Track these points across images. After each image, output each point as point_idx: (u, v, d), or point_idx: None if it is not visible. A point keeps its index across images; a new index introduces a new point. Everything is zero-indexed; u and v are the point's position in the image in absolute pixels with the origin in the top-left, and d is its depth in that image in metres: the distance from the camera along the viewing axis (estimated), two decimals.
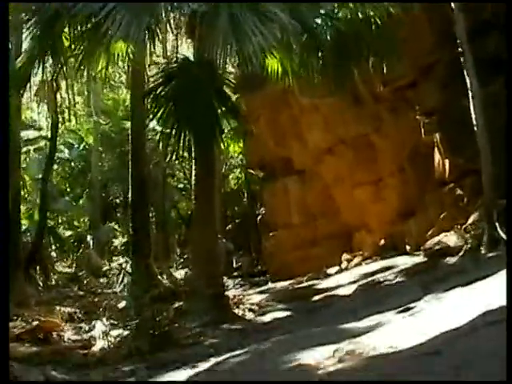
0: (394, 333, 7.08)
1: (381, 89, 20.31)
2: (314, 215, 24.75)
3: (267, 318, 14.82)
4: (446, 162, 17.96)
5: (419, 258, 16.83)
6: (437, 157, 18.56)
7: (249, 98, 25.20)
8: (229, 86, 16.74)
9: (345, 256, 21.67)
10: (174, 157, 27.02)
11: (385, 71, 19.17)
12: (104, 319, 13.85)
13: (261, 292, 20.51)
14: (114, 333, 13.03)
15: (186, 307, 14.13)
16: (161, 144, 26.61)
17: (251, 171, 30.58)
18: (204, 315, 13.22)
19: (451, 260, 15.06)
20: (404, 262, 17.18)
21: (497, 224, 14.29)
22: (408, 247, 19.18)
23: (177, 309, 14.15)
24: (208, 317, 13.20)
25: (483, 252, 14.24)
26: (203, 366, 8.82)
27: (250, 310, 15.97)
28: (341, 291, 16.52)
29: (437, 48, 18.05)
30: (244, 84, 24.79)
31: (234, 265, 30.70)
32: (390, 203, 21.48)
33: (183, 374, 8.56)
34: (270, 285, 23.09)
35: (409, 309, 9.04)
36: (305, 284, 19.70)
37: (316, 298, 16.64)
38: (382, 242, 20.78)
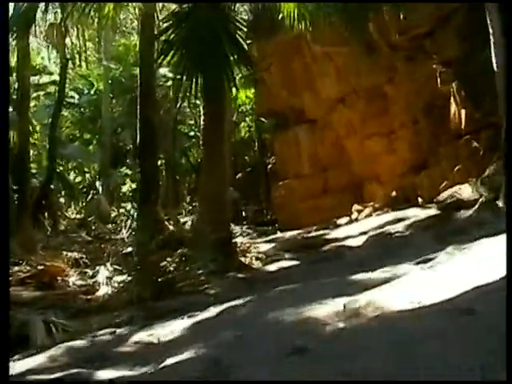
0: (415, 286, 6.32)
1: (396, 37, 19.39)
2: (324, 165, 24.10)
3: (274, 267, 14.22)
4: (463, 113, 17.13)
5: (432, 211, 16.14)
6: (453, 108, 17.74)
7: (261, 44, 24.33)
8: (241, 30, 15.90)
9: (355, 207, 20.97)
10: (184, 103, 27.03)
11: (401, 19, 18.49)
12: (108, 265, 13.31)
13: (269, 241, 19.86)
14: (118, 279, 12.51)
15: (192, 254, 13.48)
16: (171, 90, 26.52)
17: (262, 119, 29.85)
18: (210, 263, 12.59)
19: (466, 213, 14.31)
20: (415, 214, 16.51)
21: None
22: (420, 200, 18.49)
23: (182, 256, 13.50)
24: (214, 264, 12.57)
25: (500, 205, 13.51)
26: (202, 315, 8.19)
27: (257, 258, 15.35)
28: (351, 242, 15.89)
29: None
30: (256, 29, 24.00)
31: (243, 214, 30.07)
32: (402, 155, 20.79)
33: (180, 324, 7.94)
34: (279, 234, 22.50)
35: (428, 260, 8.29)
36: (314, 234, 19.06)
37: (326, 248, 16.03)
38: (394, 193, 20.08)
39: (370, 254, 13.18)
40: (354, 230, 17.30)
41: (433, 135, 18.90)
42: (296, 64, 23.84)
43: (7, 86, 12.11)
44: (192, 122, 34.09)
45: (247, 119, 32.51)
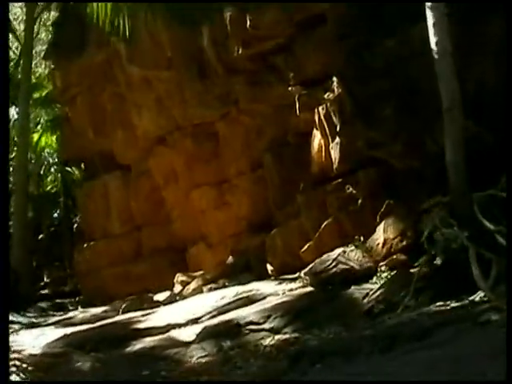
0: None
1: (238, 53, 12.76)
2: (138, 223, 16.77)
3: None
4: (334, 147, 10.66)
5: (297, 285, 9.45)
6: (317, 143, 11.26)
7: (63, 70, 16.99)
8: None
9: (179, 277, 13.78)
10: None
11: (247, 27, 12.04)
12: None
13: (56, 324, 12.31)
14: None
15: None
16: None
17: (68, 169, 22.17)
18: None
19: (362, 289, 7.85)
20: (271, 290, 9.69)
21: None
22: (270, 268, 11.70)
23: None
24: None
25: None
26: None
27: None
28: (176, 334, 8.84)
29: None
30: (58, 49, 16.76)
31: (43, 282, 21.94)
32: (238, 210, 14.13)
33: None
34: (76, 312, 14.83)
35: None
36: (122, 317, 11.53)
37: (137, 345, 8.84)
38: (230, 259, 13.17)
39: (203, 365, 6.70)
40: (180, 313, 10.09)
41: (284, 182, 12.32)
42: (107, 95, 16.63)
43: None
44: None
45: (52, 169, 24.72)
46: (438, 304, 6.52)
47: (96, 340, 9.62)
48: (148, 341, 8.84)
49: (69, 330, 10.99)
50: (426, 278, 7.04)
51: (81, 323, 12.05)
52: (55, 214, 24.34)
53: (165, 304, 11.70)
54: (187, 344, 8.19)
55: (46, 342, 9.92)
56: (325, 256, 9.03)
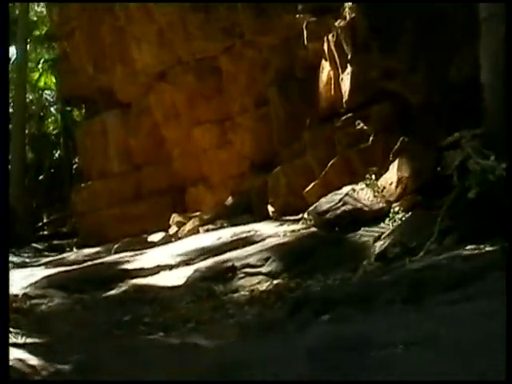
0: None
1: None
2: (138, 162, 15.62)
3: None
4: (345, 79, 9.44)
5: (300, 227, 8.36)
6: (325, 74, 10.03)
7: (62, 3, 15.67)
8: None
9: (175, 217, 12.71)
10: None
11: None
12: None
13: (46, 265, 11.36)
14: None
15: None
16: None
17: (68, 109, 20.98)
18: None
19: (372, 231, 6.76)
20: (271, 231, 8.66)
21: None
22: (271, 210, 10.60)
23: None
24: None
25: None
26: None
27: None
28: (163, 279, 7.85)
29: None
30: None
31: (43, 223, 20.96)
32: (241, 149, 12.98)
33: None
34: (69, 253, 13.89)
35: None
36: (112, 258, 10.51)
37: (122, 287, 7.85)
38: (229, 200, 12.08)
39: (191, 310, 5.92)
40: (171, 254, 9.02)
41: (290, 118, 11.14)
42: (105, 28, 15.33)
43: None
44: None
45: (52, 109, 23.46)
46: (468, 248, 5.38)
47: (80, 280, 8.67)
48: (134, 283, 7.84)
49: (57, 270, 10.11)
50: (453, 218, 5.89)
51: (71, 264, 11.12)
52: (56, 155, 23.16)
53: (159, 245, 10.63)
54: (176, 287, 7.19)
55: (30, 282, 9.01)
56: (331, 194, 7.90)
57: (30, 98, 23.27)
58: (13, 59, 20.18)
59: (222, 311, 5.98)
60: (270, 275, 6.60)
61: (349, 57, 9.20)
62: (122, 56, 15.15)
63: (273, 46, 11.83)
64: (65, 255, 13.25)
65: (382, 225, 7.07)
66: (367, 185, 7.80)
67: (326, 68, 10.04)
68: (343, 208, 7.37)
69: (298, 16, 10.53)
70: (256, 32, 11.80)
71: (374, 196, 7.52)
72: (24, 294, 8.38)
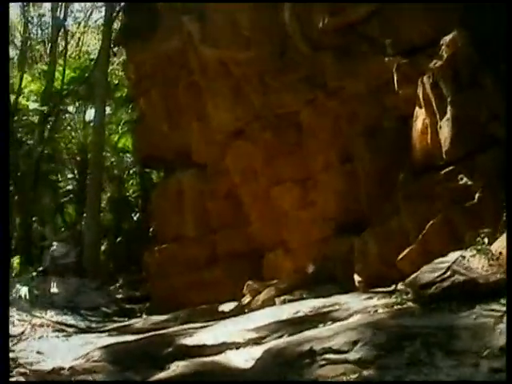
0: None
1: (325, 22, 10.25)
2: (214, 226, 14.37)
3: None
4: (444, 126, 7.95)
5: (393, 301, 6.77)
6: (420, 122, 8.56)
7: (138, 57, 14.95)
8: None
9: (250, 285, 11.27)
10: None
11: None
12: None
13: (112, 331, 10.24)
14: None
15: None
16: None
17: (147, 170, 20.24)
18: None
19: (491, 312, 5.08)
20: (361, 306, 7.07)
21: None
22: (358, 279, 9.04)
23: None
24: None
25: None
26: None
27: None
28: (227, 360, 6.40)
29: None
30: (129, 34, 14.81)
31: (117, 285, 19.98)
32: (324, 210, 11.57)
33: None
34: (137, 319, 12.68)
35: None
36: (176, 329, 9.12)
37: (179, 367, 6.48)
38: (310, 268, 10.59)
39: None
40: (241, 329, 7.56)
41: (380, 174, 9.68)
42: (181, 85, 14.45)
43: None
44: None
45: (131, 171, 22.85)
46: None
47: (137, 355, 7.37)
48: (194, 363, 6.44)
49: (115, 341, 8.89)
50: None
51: (136, 332, 9.90)
52: (135, 218, 22.40)
53: (228, 316, 9.20)
54: (241, 371, 5.74)
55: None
56: (434, 263, 6.29)
57: (112, 160, 22.86)
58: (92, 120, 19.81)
59: None
60: (359, 364, 5.05)
61: (449, 99, 7.72)
62: (197, 113, 14.23)
63: (359, 95, 10.50)
64: (132, 321, 12.05)
65: (501, 301, 5.47)
66: (478, 250, 6.22)
67: (420, 116, 8.58)
68: (452, 279, 5.81)
69: (386, 59, 9.20)
70: (340, 78, 10.51)
71: (489, 265, 5.95)
72: (70, 368, 7.19)
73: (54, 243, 18.04)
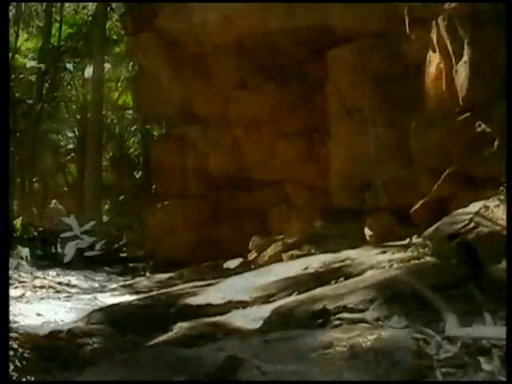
0: None
1: None
2: (217, 182, 13.94)
3: None
4: (461, 70, 7.41)
5: (409, 255, 6.38)
6: (433, 68, 8.02)
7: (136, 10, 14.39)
8: None
9: (255, 241, 10.87)
10: None
11: None
12: None
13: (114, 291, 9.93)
14: None
15: None
16: None
17: (148, 126, 19.75)
18: None
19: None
20: (375, 261, 6.66)
21: None
22: (368, 233, 8.64)
23: None
24: None
25: None
26: None
27: None
28: (236, 317, 6.02)
29: None
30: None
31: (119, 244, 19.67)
32: (332, 163, 11.05)
33: None
34: (141, 278, 12.36)
35: None
36: (180, 288, 8.73)
37: (183, 329, 6.05)
38: (319, 222, 10.17)
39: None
40: (247, 286, 7.14)
41: (392, 124, 9.21)
42: (181, 37, 13.81)
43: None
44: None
45: (132, 128, 22.33)
46: None
47: (139, 317, 6.98)
48: (198, 324, 6.06)
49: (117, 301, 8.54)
50: None
51: (140, 292, 9.58)
52: (137, 176, 22.00)
53: (234, 274, 8.82)
54: (248, 333, 5.34)
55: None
56: (456, 213, 5.85)
57: (112, 118, 22.35)
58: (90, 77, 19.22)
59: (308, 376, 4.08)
60: (378, 325, 4.63)
61: (466, 40, 7.18)
62: (199, 66, 13.66)
63: (368, 44, 9.95)
64: (136, 280, 11.73)
65: None
66: (501, 200, 5.76)
67: (434, 60, 8.06)
68: (477, 231, 5.37)
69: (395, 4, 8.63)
70: (347, 24, 9.93)
71: None
72: (68, 331, 6.80)
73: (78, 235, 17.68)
